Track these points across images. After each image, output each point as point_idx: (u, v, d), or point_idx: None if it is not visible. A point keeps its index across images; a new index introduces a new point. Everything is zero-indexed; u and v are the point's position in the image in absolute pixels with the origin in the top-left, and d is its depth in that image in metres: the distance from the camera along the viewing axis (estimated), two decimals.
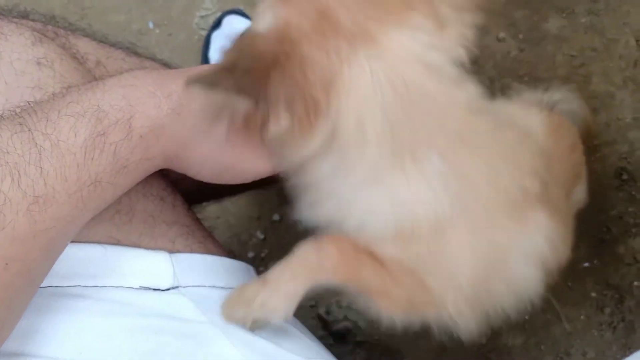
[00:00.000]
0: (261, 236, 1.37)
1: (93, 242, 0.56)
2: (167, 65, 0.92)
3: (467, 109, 0.57)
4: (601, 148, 1.31)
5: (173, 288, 0.58)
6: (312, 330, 1.38)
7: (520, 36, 1.35)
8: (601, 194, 1.31)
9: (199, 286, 0.61)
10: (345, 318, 1.33)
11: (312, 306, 1.35)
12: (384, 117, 0.52)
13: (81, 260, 0.55)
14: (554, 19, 1.36)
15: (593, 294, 1.30)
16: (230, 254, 0.73)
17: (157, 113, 0.50)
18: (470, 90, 0.58)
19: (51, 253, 0.48)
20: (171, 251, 0.61)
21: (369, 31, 0.51)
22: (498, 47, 1.35)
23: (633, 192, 1.30)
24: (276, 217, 1.38)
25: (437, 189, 0.56)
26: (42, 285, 0.49)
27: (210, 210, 1.35)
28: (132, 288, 0.56)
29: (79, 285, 0.54)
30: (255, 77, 0.49)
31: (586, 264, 1.30)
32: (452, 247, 0.60)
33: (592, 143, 1.31)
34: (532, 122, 0.82)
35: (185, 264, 0.62)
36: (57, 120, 0.46)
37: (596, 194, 1.31)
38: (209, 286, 0.62)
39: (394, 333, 1.31)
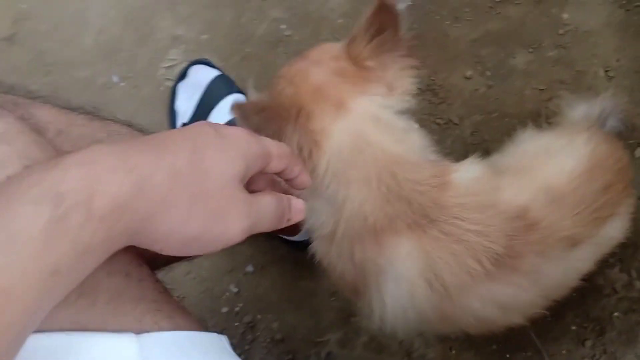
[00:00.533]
0: (235, 289, 1.32)
1: (56, 329, 0.52)
2: (130, 125, 0.90)
3: (397, 155, 0.76)
4: None
5: None
6: None
7: (488, 73, 1.35)
8: None
9: None
10: None
11: (290, 359, 1.30)
12: (339, 157, 0.75)
13: (44, 350, 0.51)
14: (521, 54, 1.36)
15: (573, 327, 1.26)
16: (202, 325, 0.69)
17: (118, 190, 0.47)
18: (410, 140, 0.79)
19: (14, 347, 0.44)
20: (138, 331, 0.57)
21: (344, 99, 0.75)
22: (466, 85, 1.35)
23: None
24: (249, 268, 1.33)
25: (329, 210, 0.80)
26: None
27: (180, 267, 1.31)
28: None
29: None
30: (278, 120, 0.73)
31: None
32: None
33: None
34: (564, 160, 0.89)
35: (154, 344, 0.57)
36: (16, 208, 0.44)
37: None
38: None
39: None
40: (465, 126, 1.33)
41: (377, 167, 0.75)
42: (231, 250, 1.34)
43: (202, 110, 1.32)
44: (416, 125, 0.81)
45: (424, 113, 1.34)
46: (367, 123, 0.75)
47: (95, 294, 0.56)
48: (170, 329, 0.61)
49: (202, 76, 1.34)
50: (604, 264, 1.26)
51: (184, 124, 1.32)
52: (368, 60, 0.77)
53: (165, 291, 0.68)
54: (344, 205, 0.77)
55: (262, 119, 0.72)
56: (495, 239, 0.77)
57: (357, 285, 0.84)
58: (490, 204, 0.79)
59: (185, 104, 1.35)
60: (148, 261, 0.68)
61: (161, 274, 0.97)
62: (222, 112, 1.29)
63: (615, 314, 1.25)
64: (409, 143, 0.77)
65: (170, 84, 1.39)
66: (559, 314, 1.25)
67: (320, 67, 0.77)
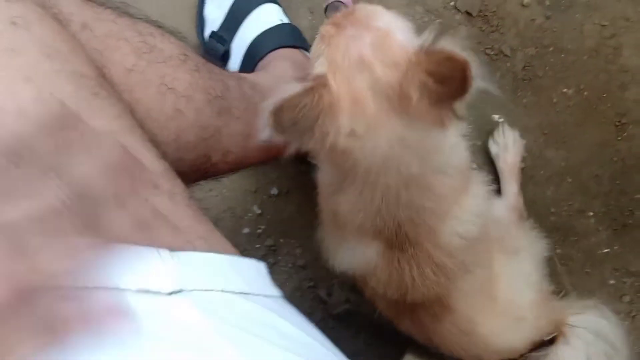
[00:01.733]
0: (258, 211, 1.27)
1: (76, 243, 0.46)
2: (161, 27, 0.82)
3: (412, 177, 0.75)
4: (628, 127, 1.22)
5: (176, 292, 0.48)
6: (311, 312, 1.30)
7: (547, 2, 1.24)
8: (625, 176, 1.22)
9: (205, 290, 0.51)
10: (347, 300, 1.25)
11: (311, 287, 1.26)
12: (355, 165, 0.74)
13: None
14: None
15: (611, 282, 1.22)
16: (237, 250, 0.63)
17: None
18: (437, 159, 0.77)
19: None
20: (172, 248, 0.51)
21: (380, 118, 0.70)
22: (522, 14, 1.24)
23: None
24: (274, 190, 1.27)
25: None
26: None
27: (202, 183, 1.25)
28: (129, 290, 0.45)
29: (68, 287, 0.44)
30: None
31: (606, 250, 1.22)
32: None
33: (619, 121, 1.22)
34: None
35: (190, 264, 0.52)
36: None
37: (620, 176, 1.22)
38: (218, 290, 0.52)
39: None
40: (518, 59, 1.23)
41: (387, 186, 0.75)
42: (255, 171, 1.28)
43: (233, 20, 1.22)
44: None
45: (473, 41, 1.24)
46: (393, 144, 0.71)
47: (117, 204, 0.51)
48: (206, 250, 0.56)
49: None
50: None
51: (213, 32, 1.22)
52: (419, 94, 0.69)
53: (199, 211, 0.62)
54: (344, 194, 0.79)
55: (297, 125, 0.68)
56: None
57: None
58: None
59: (215, 12, 1.24)
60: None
61: None
62: (254, 22, 1.19)
63: None
64: (434, 157, 0.76)
65: None
66: (597, 267, 1.22)
67: (368, 74, 0.70)
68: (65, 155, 0.48)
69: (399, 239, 0.81)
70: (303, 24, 1.25)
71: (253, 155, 0.94)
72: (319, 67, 0.72)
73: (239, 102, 0.89)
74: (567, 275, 1.20)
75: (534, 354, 1.05)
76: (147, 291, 0.46)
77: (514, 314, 1.00)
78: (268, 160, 1.02)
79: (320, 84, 0.69)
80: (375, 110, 0.70)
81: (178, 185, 0.60)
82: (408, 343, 1.14)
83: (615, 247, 1.22)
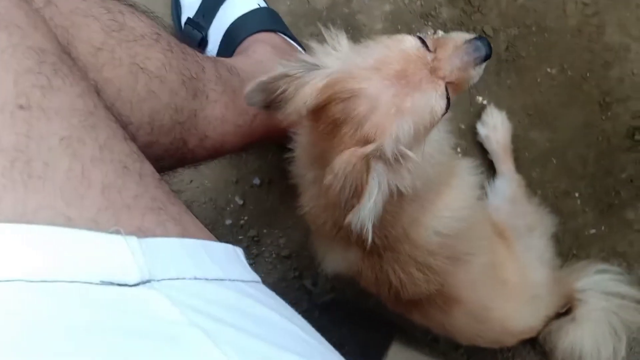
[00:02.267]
0: (240, 201, 1.25)
1: (39, 222, 0.43)
2: (133, 5, 0.78)
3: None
4: (612, 106, 1.20)
5: (143, 283, 0.45)
6: (297, 302, 1.28)
7: None
8: (611, 156, 1.21)
9: (176, 279, 0.48)
10: (333, 289, 1.22)
11: (296, 277, 1.24)
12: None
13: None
14: None
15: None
16: (212, 236, 0.60)
17: None
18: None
19: None
20: (139, 234, 0.48)
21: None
22: None
23: None
24: (256, 180, 1.25)
25: None
26: None
27: (183, 174, 1.22)
28: (91, 283, 0.43)
29: (22, 280, 0.41)
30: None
31: (592, 231, 1.21)
32: None
33: (603, 100, 1.20)
34: None
35: (159, 250, 0.49)
36: None
37: (605, 156, 1.21)
38: (191, 278, 0.49)
39: (384, 305, 1.21)
40: (500, 40, 1.21)
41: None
42: (237, 161, 1.25)
43: (210, 5, 1.18)
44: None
45: (454, 22, 1.22)
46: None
47: (86, 181, 0.47)
48: (178, 234, 0.53)
49: None
50: (637, 197, 1.19)
51: (189, 19, 1.19)
52: None
53: (170, 193, 0.59)
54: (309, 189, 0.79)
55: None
56: None
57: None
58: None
59: None
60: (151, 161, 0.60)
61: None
62: (232, 6, 1.16)
63: None
64: (418, 173, 0.71)
65: None
66: (584, 248, 1.20)
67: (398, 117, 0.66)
68: (22, 136, 0.45)
69: (376, 246, 0.79)
70: (281, 9, 1.22)
71: (231, 141, 0.91)
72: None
73: (215, 85, 0.86)
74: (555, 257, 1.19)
75: (551, 327, 1.06)
76: (110, 283, 0.43)
77: (528, 293, 0.99)
78: (247, 147, 0.99)
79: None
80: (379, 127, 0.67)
81: (147, 167, 0.57)
82: (395, 332, 1.12)
83: (602, 228, 1.21)
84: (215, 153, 0.91)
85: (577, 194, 1.21)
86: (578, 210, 1.21)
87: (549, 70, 1.21)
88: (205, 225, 1.23)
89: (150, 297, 0.45)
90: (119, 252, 0.45)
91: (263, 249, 1.25)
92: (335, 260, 0.88)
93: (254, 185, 1.25)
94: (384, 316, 1.04)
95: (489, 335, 0.99)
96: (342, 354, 1.12)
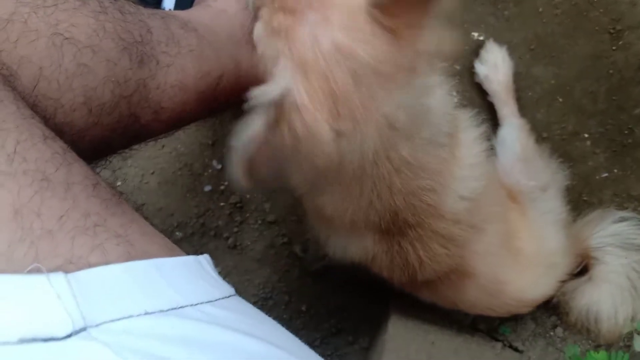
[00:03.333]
0: (218, 166, 1.15)
1: None
2: None
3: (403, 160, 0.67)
4: (624, 34, 1.08)
5: (77, 332, 0.35)
6: (288, 270, 1.20)
7: None
8: (623, 90, 1.09)
9: (120, 319, 0.38)
10: (324, 256, 1.14)
11: (284, 243, 1.15)
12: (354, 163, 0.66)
13: None
14: None
15: (612, 208, 1.11)
16: (171, 249, 0.50)
17: None
18: (424, 130, 0.68)
19: None
20: (68, 268, 0.37)
21: (366, 105, 0.62)
22: None
23: None
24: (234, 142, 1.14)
25: None
26: None
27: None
28: (7, 344, 0.32)
29: None
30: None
31: (605, 174, 1.11)
32: None
33: (613, 28, 1.07)
34: None
35: (95, 285, 0.38)
36: None
37: (617, 91, 1.09)
38: (139, 315, 0.39)
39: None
40: None
41: (377, 177, 0.68)
42: (212, 122, 1.14)
43: None
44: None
45: None
46: (380, 131, 0.63)
47: None
48: (121, 257, 0.43)
49: None
50: None
51: None
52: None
53: (111, 198, 0.49)
54: (327, 195, 0.72)
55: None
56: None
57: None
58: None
59: None
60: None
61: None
62: None
63: None
64: (422, 131, 0.68)
65: None
66: (596, 193, 1.10)
67: (351, 62, 0.59)
68: None
69: (397, 226, 0.75)
70: None
71: (194, 110, 0.80)
72: (281, 78, 0.60)
73: (166, 47, 0.74)
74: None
75: (567, 287, 1.00)
76: (33, 340, 0.33)
77: (545, 262, 0.94)
78: (215, 113, 0.88)
79: (287, 111, 0.58)
80: (359, 99, 0.60)
81: (77, 171, 0.46)
82: (390, 299, 1.04)
83: (615, 171, 1.11)
84: (176, 125, 0.80)
85: (586, 135, 1.10)
86: (588, 152, 1.10)
87: None
88: (183, 194, 1.16)
89: (86, 350, 0.35)
90: (40, 298, 0.35)
91: (247, 215, 1.15)
92: (344, 247, 0.82)
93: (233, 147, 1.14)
94: (378, 285, 0.95)
95: (503, 308, 0.94)
96: (342, 318, 1.05)
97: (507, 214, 0.90)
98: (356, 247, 0.80)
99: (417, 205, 0.73)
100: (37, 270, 0.37)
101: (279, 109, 0.58)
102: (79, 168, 0.47)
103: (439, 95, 0.70)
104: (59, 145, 0.47)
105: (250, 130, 0.58)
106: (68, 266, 0.39)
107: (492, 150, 1.01)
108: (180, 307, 0.43)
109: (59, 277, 0.37)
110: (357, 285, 1.10)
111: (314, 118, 0.59)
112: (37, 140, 0.45)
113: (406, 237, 0.76)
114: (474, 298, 0.87)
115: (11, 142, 0.42)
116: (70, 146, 0.52)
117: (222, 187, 1.15)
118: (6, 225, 0.38)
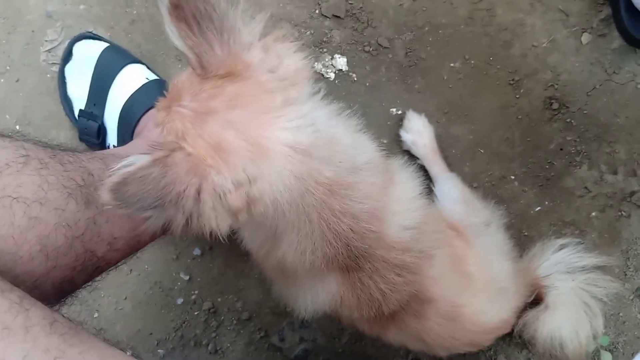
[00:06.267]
0: (186, 277, 1.20)
1: None
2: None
3: (330, 181, 0.69)
4: (523, 82, 1.20)
5: None
6: None
7: None
8: (535, 131, 1.20)
9: None
10: (302, 340, 1.19)
11: (262, 337, 1.20)
12: (271, 206, 0.66)
13: None
14: None
15: (552, 237, 1.20)
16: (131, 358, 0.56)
17: None
18: (337, 149, 0.70)
19: None
20: None
21: (257, 142, 0.63)
22: (389, 2, 1.21)
23: (568, 119, 1.20)
24: (197, 251, 1.20)
25: None
26: None
27: (121, 267, 1.17)
28: None
29: None
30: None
31: (538, 208, 1.20)
32: None
33: (512, 79, 1.20)
34: None
35: None
36: None
37: (529, 132, 1.20)
38: None
39: (357, 340, 1.18)
40: (397, 48, 1.20)
41: (316, 203, 0.69)
42: (172, 238, 1.20)
43: (98, 91, 1.14)
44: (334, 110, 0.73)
45: (349, 42, 1.20)
46: (290, 159, 0.65)
47: None
48: None
49: (89, 52, 1.15)
50: (570, 164, 1.19)
51: (81, 111, 1.14)
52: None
53: (68, 331, 0.55)
54: (283, 244, 0.74)
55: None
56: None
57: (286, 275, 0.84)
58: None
59: (78, 88, 1.17)
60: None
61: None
62: (119, 88, 1.12)
63: (593, 213, 1.19)
64: (337, 155, 0.70)
65: (56, 68, 1.19)
66: (534, 227, 1.19)
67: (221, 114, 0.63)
68: None
69: (352, 259, 0.77)
70: (174, 74, 1.19)
71: (147, 232, 0.87)
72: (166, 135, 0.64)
73: None
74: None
75: (526, 319, 1.05)
76: None
77: (494, 286, 0.98)
78: (169, 229, 0.95)
79: (171, 149, 0.61)
80: (247, 143, 0.63)
81: (35, 314, 0.52)
82: None
83: (546, 203, 1.20)
84: (132, 250, 0.87)
85: (512, 177, 1.20)
86: (517, 191, 1.20)
87: (452, 65, 1.20)
88: (158, 311, 1.20)
89: None
90: None
91: (222, 318, 1.20)
92: (312, 299, 0.85)
93: (196, 256, 1.21)
94: (361, 352, 1.00)
95: (465, 335, 0.96)
96: None
97: (450, 240, 0.95)
98: (324, 293, 0.83)
99: (363, 233, 0.75)
100: None
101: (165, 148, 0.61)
102: (36, 311, 0.53)
103: (340, 121, 0.73)
104: (15, 295, 0.53)
105: (139, 159, 0.59)
106: None
107: (430, 196, 1.09)
108: None
109: None
110: (338, 357, 1.15)
111: (217, 181, 0.61)
112: None
113: (365, 271, 0.79)
114: (437, 325, 0.90)
115: None
116: (32, 291, 0.58)
117: (193, 297, 1.20)
118: None
